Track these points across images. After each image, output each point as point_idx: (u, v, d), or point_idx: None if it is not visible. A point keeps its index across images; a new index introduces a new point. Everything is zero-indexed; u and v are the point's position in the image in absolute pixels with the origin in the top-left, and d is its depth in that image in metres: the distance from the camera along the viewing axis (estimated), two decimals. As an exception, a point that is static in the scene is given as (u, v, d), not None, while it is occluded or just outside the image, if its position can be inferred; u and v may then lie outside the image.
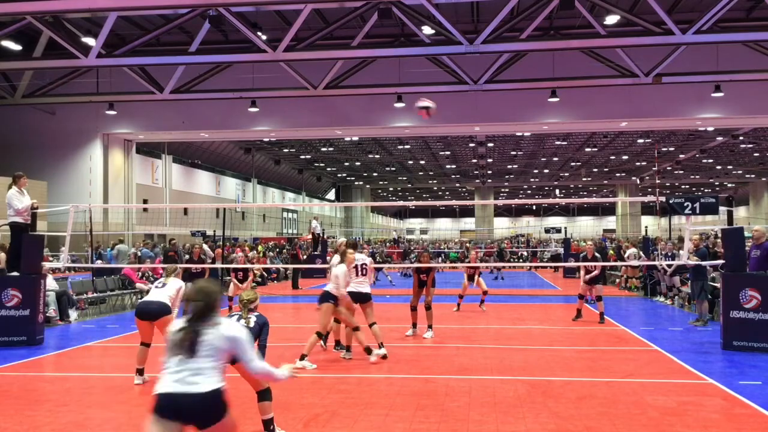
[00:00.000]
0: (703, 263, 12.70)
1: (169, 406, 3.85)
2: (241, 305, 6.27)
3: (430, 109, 11.00)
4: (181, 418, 3.85)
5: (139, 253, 21.65)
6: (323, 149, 46.59)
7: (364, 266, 9.64)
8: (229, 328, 4.15)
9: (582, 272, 14.14)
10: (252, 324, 6.08)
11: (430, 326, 11.27)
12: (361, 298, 9.52)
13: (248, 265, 15.50)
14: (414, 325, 11.65)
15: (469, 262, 16.70)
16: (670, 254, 16.95)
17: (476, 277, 15.65)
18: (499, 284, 23.44)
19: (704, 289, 12.90)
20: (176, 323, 4.16)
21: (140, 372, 8.12)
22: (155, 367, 8.47)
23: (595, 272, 13.71)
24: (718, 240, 16.45)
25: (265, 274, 24.71)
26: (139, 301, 8.51)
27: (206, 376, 3.92)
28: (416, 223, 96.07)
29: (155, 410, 3.87)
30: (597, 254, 15.05)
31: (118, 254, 20.69)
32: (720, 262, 11.94)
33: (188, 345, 3.99)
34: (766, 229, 10.80)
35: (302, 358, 8.82)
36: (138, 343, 8.22)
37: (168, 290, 8.26)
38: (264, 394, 5.84)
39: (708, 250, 14.29)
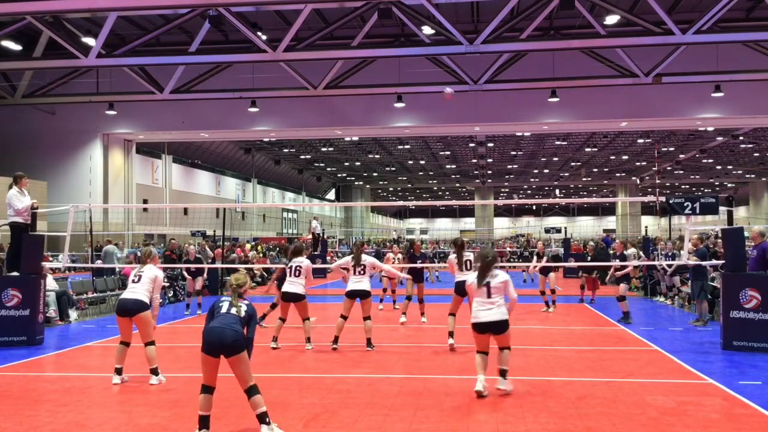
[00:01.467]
0: (703, 263, 12.70)
1: (481, 327, 7.30)
2: (231, 290, 6.16)
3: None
4: (488, 332, 7.31)
5: (138, 254, 21.57)
6: (323, 149, 46.60)
7: (299, 268, 10.37)
8: (500, 276, 7.42)
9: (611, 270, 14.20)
10: (243, 313, 5.97)
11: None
12: (293, 298, 10.24)
13: (208, 265, 15.47)
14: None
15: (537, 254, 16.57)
16: (670, 254, 16.93)
17: (552, 274, 15.76)
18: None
19: (704, 289, 12.90)
20: (472, 277, 7.53)
21: (118, 371, 8.05)
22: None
23: (628, 269, 13.76)
24: (719, 240, 16.45)
25: (265, 274, 24.71)
26: (119, 297, 8.43)
27: (497, 308, 7.33)
28: (416, 223, 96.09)
29: (475, 329, 7.33)
30: (626, 252, 14.88)
31: (105, 256, 20.57)
32: (720, 262, 11.94)
33: (486, 290, 7.30)
34: (766, 229, 10.81)
35: None
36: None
37: (144, 284, 8.13)
38: (252, 390, 5.83)
39: (708, 250, 14.29)
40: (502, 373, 7.37)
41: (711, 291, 13.33)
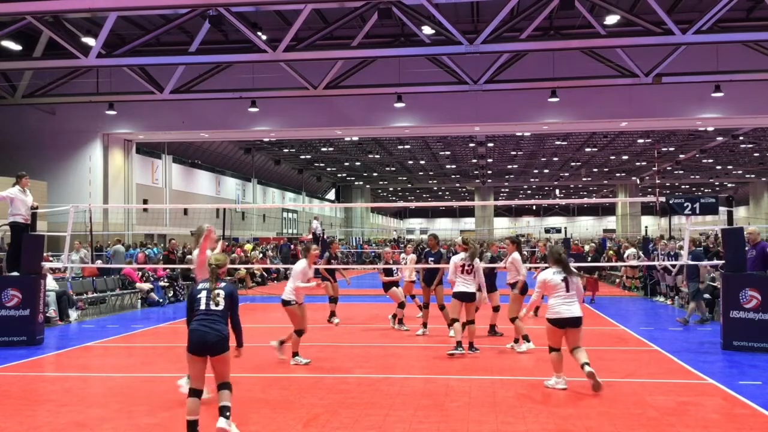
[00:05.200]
0: (703, 263, 12.70)
1: (564, 322, 7.53)
2: (209, 271, 5.97)
3: None
4: (568, 326, 7.53)
5: (146, 252, 21.84)
6: (323, 149, 46.59)
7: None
8: (574, 272, 7.76)
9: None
10: (222, 304, 5.82)
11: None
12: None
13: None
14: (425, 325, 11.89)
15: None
16: (672, 254, 16.90)
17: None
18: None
19: (700, 290, 12.93)
20: (553, 274, 7.65)
21: None
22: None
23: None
24: (718, 240, 16.45)
25: (265, 274, 24.74)
26: None
27: (576, 304, 7.63)
28: (416, 223, 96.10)
29: (558, 323, 7.54)
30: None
31: (115, 254, 20.66)
32: (720, 262, 11.94)
33: (566, 285, 7.57)
34: (761, 230, 10.83)
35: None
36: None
37: None
38: (224, 385, 5.81)
39: (707, 250, 14.27)
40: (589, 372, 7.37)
41: (711, 291, 13.35)
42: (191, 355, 5.77)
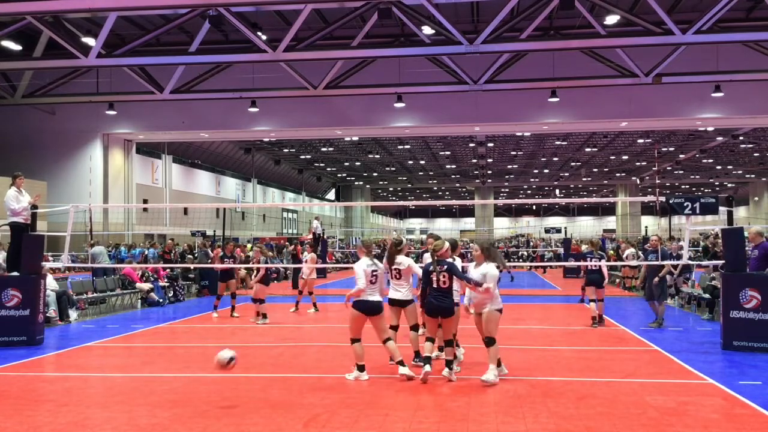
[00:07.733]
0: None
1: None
2: (432, 258, 7.90)
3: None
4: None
5: (146, 252, 21.79)
6: (323, 149, 46.60)
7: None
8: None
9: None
10: (446, 283, 7.72)
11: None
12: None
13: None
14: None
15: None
16: (675, 255, 16.83)
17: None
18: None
19: (664, 291, 12.82)
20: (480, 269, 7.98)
21: None
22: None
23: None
24: (718, 240, 16.43)
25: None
26: None
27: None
28: (416, 223, 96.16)
29: (501, 311, 8.04)
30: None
31: (93, 257, 20.42)
32: (720, 262, 11.94)
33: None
34: (761, 230, 10.83)
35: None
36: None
37: None
38: (447, 342, 7.95)
39: (707, 250, 14.26)
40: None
41: (711, 291, 13.34)
42: (427, 316, 7.97)
